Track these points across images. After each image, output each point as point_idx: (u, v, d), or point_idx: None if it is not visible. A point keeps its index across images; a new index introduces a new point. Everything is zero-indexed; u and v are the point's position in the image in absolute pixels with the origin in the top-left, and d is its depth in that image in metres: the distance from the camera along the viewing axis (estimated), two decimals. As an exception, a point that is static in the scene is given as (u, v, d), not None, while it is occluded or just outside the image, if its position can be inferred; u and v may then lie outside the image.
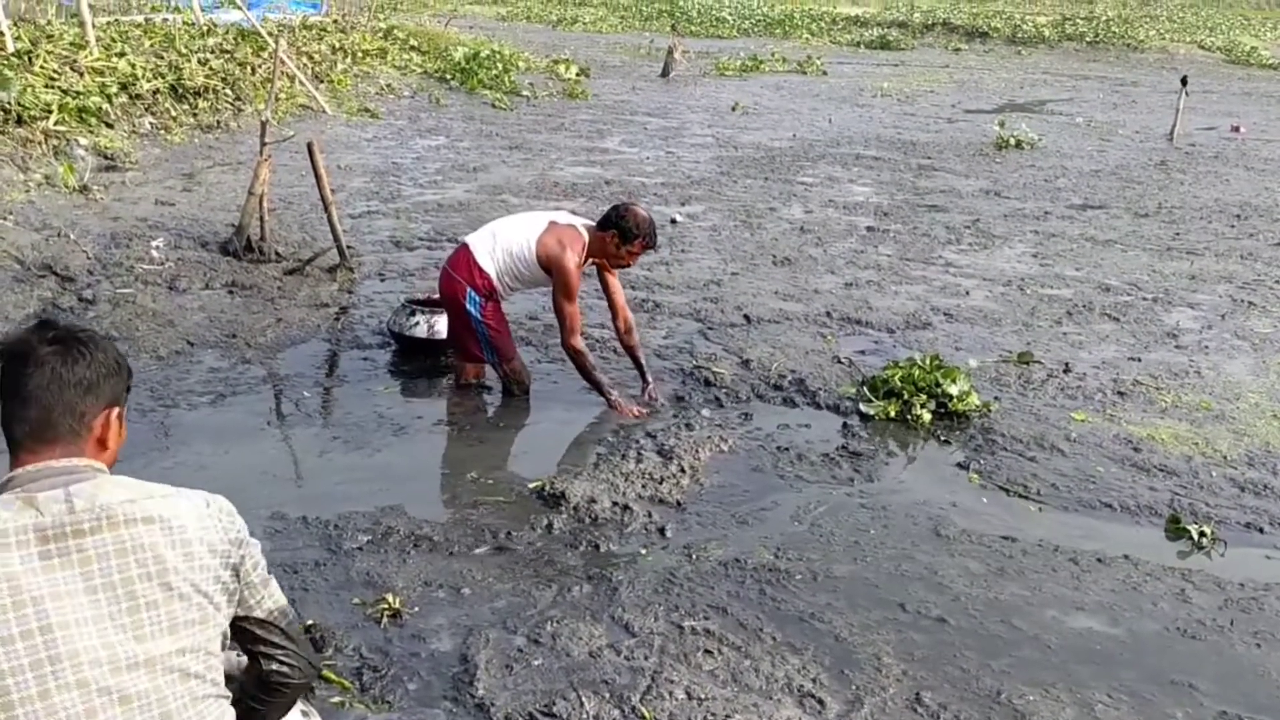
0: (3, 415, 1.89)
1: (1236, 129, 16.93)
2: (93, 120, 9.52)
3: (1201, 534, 4.45)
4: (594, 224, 5.41)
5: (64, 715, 1.71)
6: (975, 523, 4.56)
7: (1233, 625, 3.86)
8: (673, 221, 9.64)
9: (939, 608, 3.90)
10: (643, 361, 5.75)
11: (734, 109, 17.41)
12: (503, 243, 5.37)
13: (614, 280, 5.63)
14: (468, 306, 5.42)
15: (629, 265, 5.54)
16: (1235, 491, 4.92)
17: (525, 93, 17.32)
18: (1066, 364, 6.40)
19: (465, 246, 5.50)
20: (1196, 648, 3.73)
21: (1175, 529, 4.54)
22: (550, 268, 5.25)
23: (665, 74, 21.69)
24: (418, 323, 6.08)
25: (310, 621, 3.51)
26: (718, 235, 9.28)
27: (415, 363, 6.09)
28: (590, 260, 5.43)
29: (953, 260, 8.79)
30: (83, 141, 9.11)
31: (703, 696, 3.29)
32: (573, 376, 5.81)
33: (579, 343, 5.37)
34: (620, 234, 5.25)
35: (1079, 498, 4.81)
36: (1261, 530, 4.58)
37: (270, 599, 2.05)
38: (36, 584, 1.72)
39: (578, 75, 19.43)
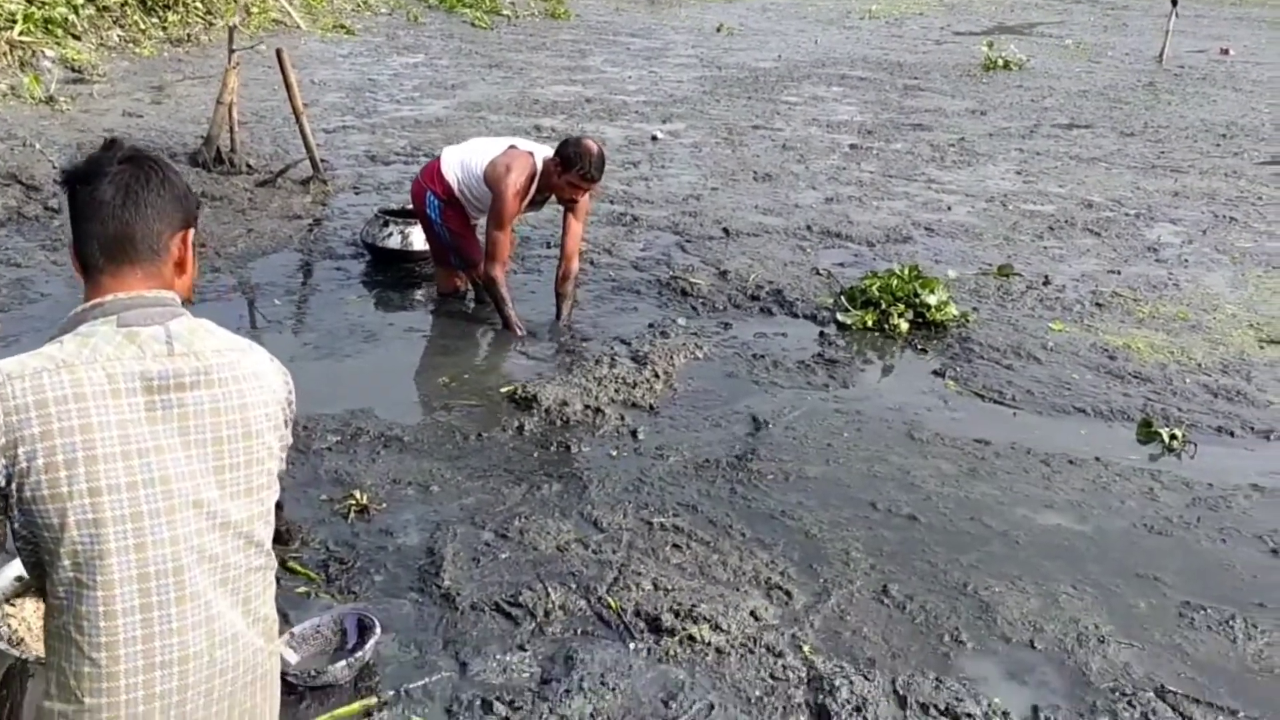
0: (77, 238, 1.78)
1: (1225, 51, 16.75)
2: (59, 31, 9.30)
3: (1173, 436, 4.46)
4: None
5: (154, 569, 1.68)
6: (949, 427, 4.56)
7: (1199, 522, 3.88)
8: (654, 138, 9.50)
9: (910, 506, 3.90)
10: (566, 311, 5.47)
11: (719, 30, 17.12)
12: (467, 157, 5.30)
13: (575, 226, 5.34)
14: (427, 210, 5.39)
15: (573, 199, 5.20)
16: (1208, 397, 4.92)
17: (506, 11, 16.97)
18: (1046, 276, 6.37)
19: (439, 157, 5.45)
20: (1163, 543, 3.75)
21: (1147, 432, 4.54)
22: (492, 189, 5.13)
23: (650, -5, 21.26)
24: (391, 233, 6.00)
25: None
26: (699, 152, 9.15)
27: (389, 273, 6.01)
28: (546, 194, 5.27)
29: (936, 177, 8.71)
30: (49, 53, 8.89)
31: (669, 587, 3.29)
32: (548, 286, 5.75)
33: (497, 272, 5.17)
34: (562, 161, 5.02)
35: (1053, 403, 4.81)
36: (1232, 434, 4.58)
37: (284, 461, 2.01)
38: (141, 435, 1.68)
39: (560, -5, 19.01)
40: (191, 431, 1.72)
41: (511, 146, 5.23)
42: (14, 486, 1.63)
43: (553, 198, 5.31)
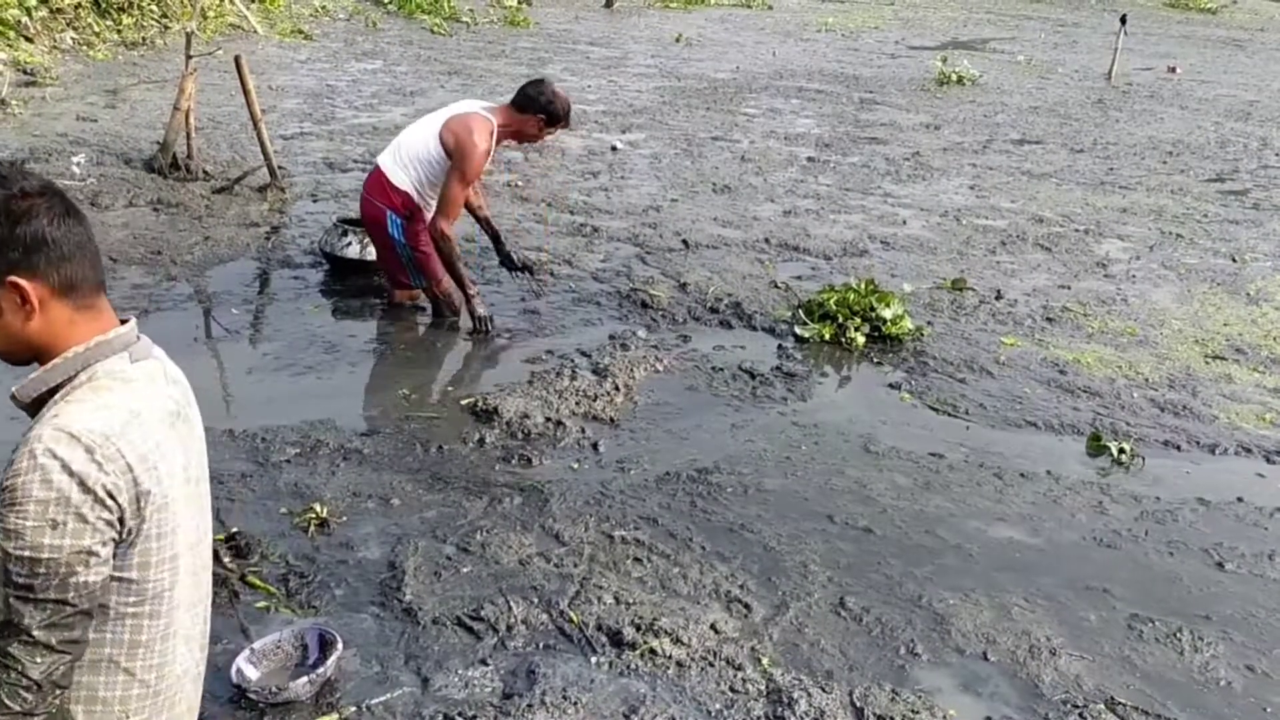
0: (59, 275, 1.59)
1: (1173, 69, 17.12)
2: (11, 34, 9.15)
3: (1121, 450, 4.56)
4: (502, 105, 5.30)
5: (201, 594, 1.77)
6: (904, 440, 4.63)
7: (1147, 535, 3.98)
8: (613, 149, 9.54)
9: (866, 519, 3.96)
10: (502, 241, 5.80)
11: (677, 40, 17.20)
12: (408, 153, 5.21)
13: (479, 199, 5.69)
14: (390, 231, 5.29)
15: (540, 141, 5.62)
16: (1155, 411, 5.04)
17: (465, 19, 16.93)
18: (998, 291, 6.48)
19: (377, 168, 5.34)
20: (1112, 556, 3.84)
21: (1096, 446, 4.65)
22: (455, 151, 5.05)
23: (609, 4, 21.32)
24: (350, 243, 5.97)
25: (234, 529, 3.47)
26: (658, 163, 9.20)
27: (347, 282, 5.98)
28: (503, 143, 5.36)
29: (891, 191, 8.82)
30: (0, 55, 8.75)
31: (631, 601, 3.32)
32: (509, 297, 5.77)
33: (450, 229, 5.17)
34: (548, 118, 5.18)
35: (1005, 417, 4.90)
36: (1179, 448, 4.70)
37: None
38: (187, 466, 1.70)
39: (519, 3, 19.02)
40: (194, 463, 1.75)
41: (453, 115, 5.19)
42: (126, 537, 1.60)
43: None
